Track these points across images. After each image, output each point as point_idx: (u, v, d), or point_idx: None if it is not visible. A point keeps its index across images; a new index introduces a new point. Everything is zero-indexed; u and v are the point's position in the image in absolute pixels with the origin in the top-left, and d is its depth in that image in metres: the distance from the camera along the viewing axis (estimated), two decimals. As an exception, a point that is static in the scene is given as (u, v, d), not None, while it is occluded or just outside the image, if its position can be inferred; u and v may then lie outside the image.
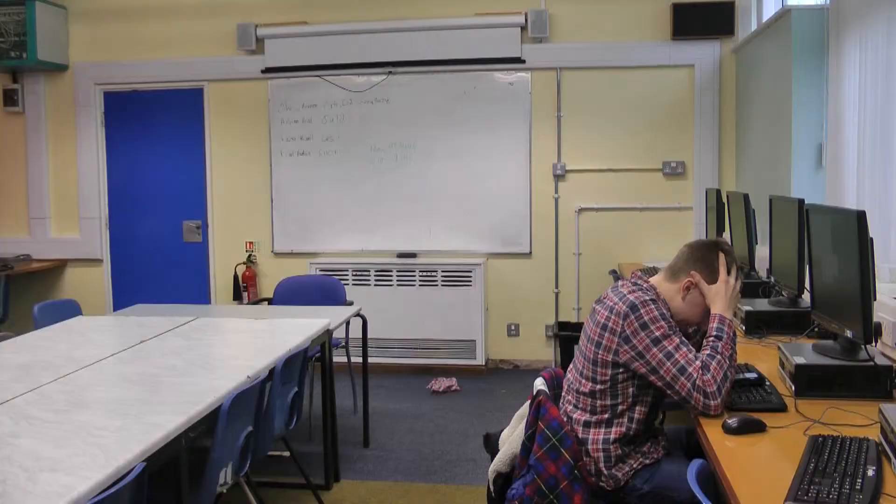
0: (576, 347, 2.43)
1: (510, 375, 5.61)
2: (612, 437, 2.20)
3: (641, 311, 2.16)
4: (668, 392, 2.13)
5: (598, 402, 2.21)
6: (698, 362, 2.09)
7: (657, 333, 2.13)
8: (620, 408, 2.20)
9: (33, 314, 3.69)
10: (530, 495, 2.17)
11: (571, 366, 2.35)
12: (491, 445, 2.53)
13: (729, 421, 1.90)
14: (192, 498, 2.25)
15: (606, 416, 2.21)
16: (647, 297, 2.19)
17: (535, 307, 5.79)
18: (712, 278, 2.28)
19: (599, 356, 2.20)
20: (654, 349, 2.12)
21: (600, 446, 2.20)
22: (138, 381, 2.47)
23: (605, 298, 2.28)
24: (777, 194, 3.59)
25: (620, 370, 2.18)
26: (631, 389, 2.19)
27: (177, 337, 3.18)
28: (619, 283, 2.34)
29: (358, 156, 5.84)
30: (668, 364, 2.10)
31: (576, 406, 2.26)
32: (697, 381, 2.06)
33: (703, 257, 2.33)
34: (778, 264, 3.18)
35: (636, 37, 5.58)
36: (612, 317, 2.18)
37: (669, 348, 2.11)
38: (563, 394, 2.37)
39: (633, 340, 2.14)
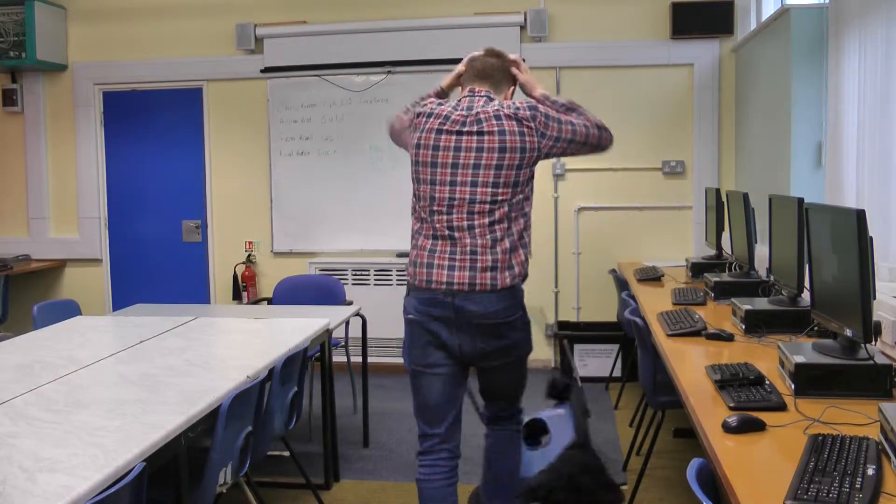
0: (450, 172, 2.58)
1: (510, 375, 5.61)
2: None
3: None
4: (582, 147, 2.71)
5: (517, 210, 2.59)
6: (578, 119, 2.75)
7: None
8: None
9: (32, 314, 3.69)
10: None
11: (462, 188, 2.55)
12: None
13: (728, 420, 1.90)
14: (191, 498, 2.25)
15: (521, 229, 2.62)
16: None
17: (535, 306, 5.79)
18: (512, 80, 2.76)
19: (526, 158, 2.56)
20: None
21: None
22: (137, 381, 2.47)
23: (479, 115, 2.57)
24: (776, 193, 3.59)
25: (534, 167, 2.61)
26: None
27: (176, 337, 3.18)
28: (467, 98, 2.64)
29: (357, 155, 5.84)
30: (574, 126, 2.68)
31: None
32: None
33: (506, 67, 2.74)
34: (777, 263, 3.18)
35: (635, 36, 5.57)
36: (520, 123, 2.55)
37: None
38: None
39: (547, 128, 2.59)
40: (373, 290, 5.66)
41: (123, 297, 6.10)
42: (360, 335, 4.33)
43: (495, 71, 2.69)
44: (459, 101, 2.65)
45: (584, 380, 5.22)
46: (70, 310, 3.90)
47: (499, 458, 2.75)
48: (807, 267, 2.67)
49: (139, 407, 2.19)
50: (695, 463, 1.66)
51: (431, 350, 2.53)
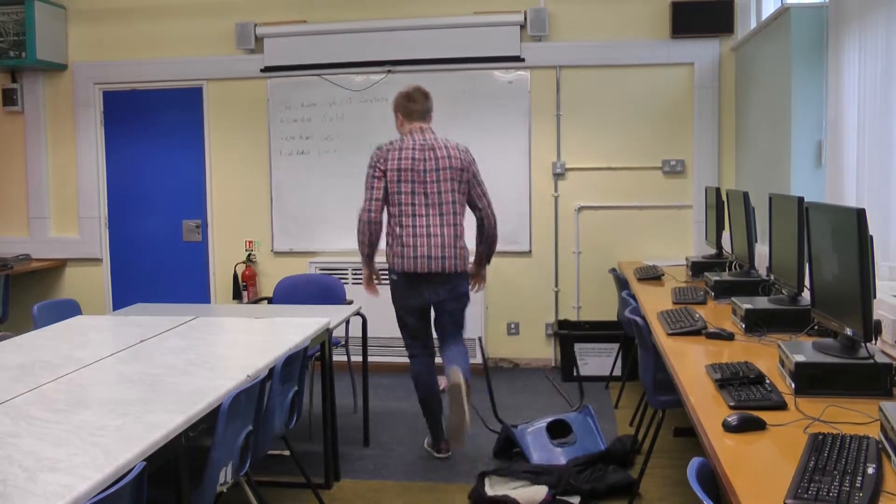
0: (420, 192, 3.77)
1: (510, 374, 5.61)
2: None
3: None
4: (480, 201, 3.87)
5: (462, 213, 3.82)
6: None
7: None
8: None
9: (33, 314, 3.69)
10: None
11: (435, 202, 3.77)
12: None
13: (729, 419, 1.90)
14: (192, 497, 2.25)
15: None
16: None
17: (535, 306, 5.79)
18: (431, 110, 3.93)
19: (465, 178, 3.81)
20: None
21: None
22: (138, 381, 2.47)
23: (436, 147, 3.76)
24: (777, 192, 3.59)
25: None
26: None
27: (176, 336, 3.18)
28: (419, 133, 3.78)
29: (357, 154, 5.83)
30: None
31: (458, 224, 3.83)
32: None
33: (431, 106, 3.88)
34: (778, 262, 3.18)
35: (635, 35, 5.58)
36: (461, 155, 3.79)
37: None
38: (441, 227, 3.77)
39: (474, 168, 3.84)
40: (373, 289, 5.64)
41: (124, 296, 6.11)
42: (360, 334, 4.33)
43: (429, 111, 3.88)
44: (413, 135, 3.80)
45: (584, 378, 5.22)
46: (70, 309, 3.90)
47: (454, 356, 3.88)
48: (807, 266, 2.67)
49: (139, 406, 2.19)
50: (695, 462, 1.66)
51: (414, 301, 3.88)
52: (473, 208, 3.89)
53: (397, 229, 3.78)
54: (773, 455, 1.73)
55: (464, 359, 3.87)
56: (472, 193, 3.85)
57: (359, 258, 5.85)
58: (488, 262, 4.11)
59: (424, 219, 3.73)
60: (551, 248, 5.75)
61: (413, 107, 3.84)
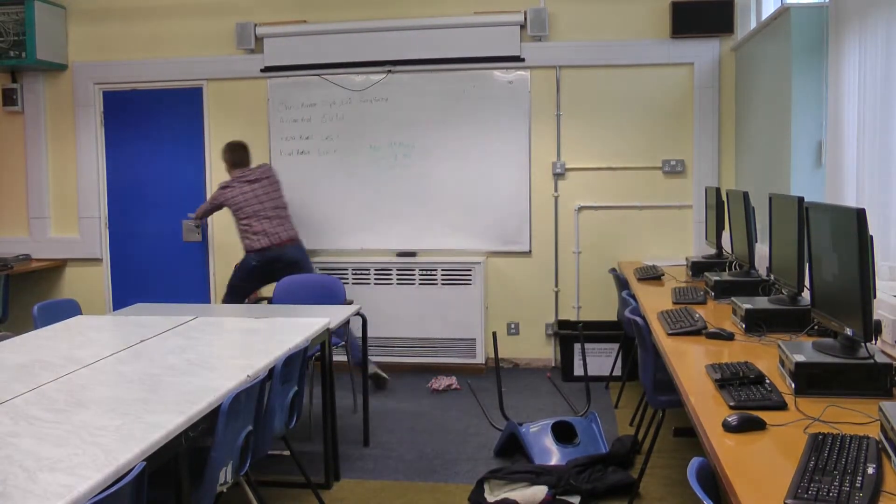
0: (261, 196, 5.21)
1: (510, 374, 5.61)
2: None
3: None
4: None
5: None
6: None
7: None
8: None
9: (33, 314, 3.69)
10: None
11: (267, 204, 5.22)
12: None
13: (729, 419, 1.90)
14: (192, 497, 2.26)
15: None
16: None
17: (535, 306, 5.79)
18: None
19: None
20: None
21: None
22: (138, 381, 2.47)
23: (265, 175, 5.26)
24: (777, 192, 3.58)
25: None
26: None
27: (176, 336, 3.18)
28: (260, 169, 5.25)
29: (357, 155, 5.84)
30: None
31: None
32: None
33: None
34: (778, 262, 3.18)
35: (635, 35, 5.58)
36: (272, 174, 5.30)
37: None
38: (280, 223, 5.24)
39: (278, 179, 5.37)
40: (373, 289, 5.66)
41: (124, 296, 6.11)
42: (360, 335, 4.33)
43: (248, 155, 5.32)
44: (244, 174, 5.18)
45: (584, 379, 5.22)
46: (70, 309, 3.90)
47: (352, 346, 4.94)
48: (807, 266, 2.67)
49: (140, 406, 2.19)
50: (695, 462, 1.66)
51: (262, 273, 5.17)
52: None
53: (254, 228, 5.15)
54: (773, 455, 1.73)
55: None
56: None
57: (359, 258, 5.93)
58: None
59: (267, 220, 5.17)
60: (551, 248, 5.75)
61: (237, 158, 5.22)
